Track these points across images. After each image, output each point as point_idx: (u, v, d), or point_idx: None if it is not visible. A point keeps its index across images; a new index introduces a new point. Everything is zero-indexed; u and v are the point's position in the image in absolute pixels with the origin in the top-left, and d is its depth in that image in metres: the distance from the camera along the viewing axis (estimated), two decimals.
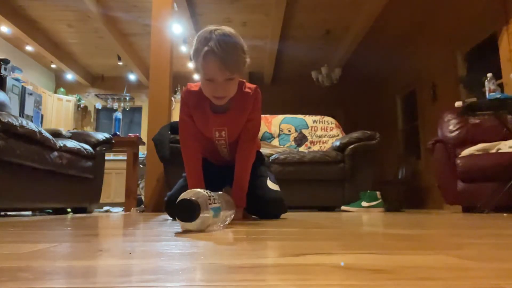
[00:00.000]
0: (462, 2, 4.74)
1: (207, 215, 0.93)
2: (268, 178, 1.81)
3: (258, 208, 1.78)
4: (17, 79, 5.37)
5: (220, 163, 1.84)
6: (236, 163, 1.64)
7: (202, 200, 0.92)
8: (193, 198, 0.92)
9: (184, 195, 0.95)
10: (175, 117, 7.18)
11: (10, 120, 2.10)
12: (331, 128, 4.20)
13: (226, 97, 1.50)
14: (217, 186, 1.91)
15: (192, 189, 1.00)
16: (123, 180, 4.53)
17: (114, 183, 6.03)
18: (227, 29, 1.45)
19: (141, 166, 5.28)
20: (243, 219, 1.78)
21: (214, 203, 0.98)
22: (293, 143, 4.11)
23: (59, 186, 2.70)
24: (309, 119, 4.24)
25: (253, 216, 1.85)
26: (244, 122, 1.64)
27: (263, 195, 1.72)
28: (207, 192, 0.98)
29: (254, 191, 1.73)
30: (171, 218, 1.77)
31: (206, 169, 1.70)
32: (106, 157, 3.59)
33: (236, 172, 1.62)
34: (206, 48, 1.39)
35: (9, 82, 5.05)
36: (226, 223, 1.15)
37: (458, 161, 3.25)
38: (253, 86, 1.65)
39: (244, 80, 1.66)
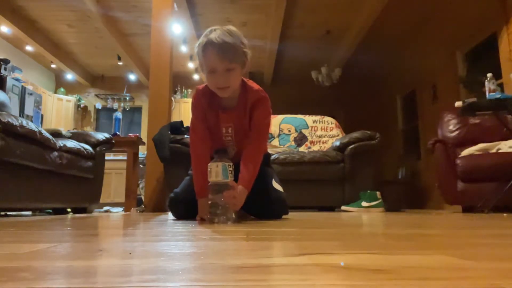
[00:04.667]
0: (462, 2, 4.74)
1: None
2: (273, 179, 1.81)
3: (261, 206, 1.78)
4: (17, 79, 5.37)
5: None
6: (242, 158, 1.60)
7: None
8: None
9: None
10: (175, 117, 7.19)
11: (10, 120, 2.10)
12: (331, 128, 4.20)
13: (229, 88, 1.54)
14: None
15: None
16: (123, 180, 4.53)
17: (114, 183, 6.03)
18: (228, 26, 1.54)
19: (141, 166, 5.27)
20: (243, 218, 1.78)
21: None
22: (293, 143, 4.11)
23: (59, 186, 2.70)
24: (309, 119, 4.24)
25: (251, 217, 1.85)
26: (248, 121, 1.66)
27: (268, 193, 1.72)
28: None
29: (258, 189, 1.73)
30: (174, 218, 1.77)
31: None
32: (106, 157, 3.59)
33: (243, 161, 1.57)
34: (205, 40, 1.49)
35: (9, 82, 5.05)
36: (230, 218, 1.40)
37: (458, 161, 3.25)
38: (257, 86, 1.68)
39: (248, 80, 1.70)
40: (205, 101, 1.66)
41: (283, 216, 1.83)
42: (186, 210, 1.70)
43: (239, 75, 1.57)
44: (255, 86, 1.68)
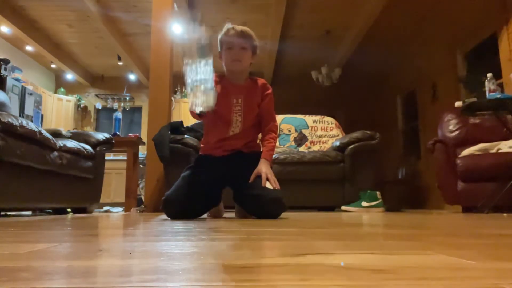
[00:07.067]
0: (462, 2, 4.74)
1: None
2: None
3: (256, 207, 1.79)
4: (17, 79, 5.36)
5: (225, 150, 1.89)
6: (262, 135, 1.99)
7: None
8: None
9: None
10: (175, 117, 7.18)
11: (10, 120, 2.10)
12: (331, 128, 4.19)
13: (241, 62, 1.86)
14: (217, 186, 1.90)
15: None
16: (123, 180, 4.52)
17: (114, 183, 6.02)
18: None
19: (141, 166, 5.27)
20: (243, 218, 1.79)
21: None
22: (293, 143, 4.11)
23: (59, 186, 2.70)
24: (309, 119, 4.24)
25: (252, 216, 1.85)
26: (257, 102, 1.94)
27: (260, 195, 1.72)
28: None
29: (252, 191, 1.74)
30: (169, 218, 1.77)
31: (207, 170, 1.70)
32: (106, 157, 3.58)
33: (263, 137, 1.98)
34: (229, 26, 1.87)
35: (9, 82, 5.04)
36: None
37: (458, 161, 3.25)
38: (262, 79, 2.01)
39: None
40: (218, 81, 1.91)
41: (282, 215, 1.83)
42: (179, 210, 1.74)
43: (249, 57, 1.89)
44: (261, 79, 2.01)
